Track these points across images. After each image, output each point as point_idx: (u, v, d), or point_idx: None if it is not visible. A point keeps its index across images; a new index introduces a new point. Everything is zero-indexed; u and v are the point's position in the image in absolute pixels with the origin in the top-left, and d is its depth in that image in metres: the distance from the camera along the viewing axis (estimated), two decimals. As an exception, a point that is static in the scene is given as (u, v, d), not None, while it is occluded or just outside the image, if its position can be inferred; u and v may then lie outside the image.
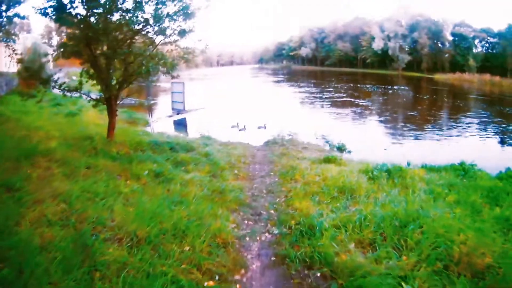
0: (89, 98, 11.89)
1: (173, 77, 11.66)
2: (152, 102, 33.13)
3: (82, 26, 10.33)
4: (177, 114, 27.17)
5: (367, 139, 18.94)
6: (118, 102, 11.91)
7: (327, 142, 16.44)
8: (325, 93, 42.16)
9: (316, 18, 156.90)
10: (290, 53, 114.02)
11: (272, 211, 7.28)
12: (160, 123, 23.55)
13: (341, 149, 15.28)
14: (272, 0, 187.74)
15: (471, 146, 18.93)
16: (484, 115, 30.14)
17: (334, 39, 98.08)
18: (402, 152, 16.03)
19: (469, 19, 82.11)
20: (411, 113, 29.55)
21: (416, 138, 20.23)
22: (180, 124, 24.35)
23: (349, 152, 15.13)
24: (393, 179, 9.13)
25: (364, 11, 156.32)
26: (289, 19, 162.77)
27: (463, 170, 11.07)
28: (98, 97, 11.83)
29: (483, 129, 23.83)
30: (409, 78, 69.82)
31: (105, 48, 11.14)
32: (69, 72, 39.33)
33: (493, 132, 23.10)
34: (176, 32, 11.15)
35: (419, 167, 11.62)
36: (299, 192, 8.10)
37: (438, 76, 70.57)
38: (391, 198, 7.42)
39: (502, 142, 20.44)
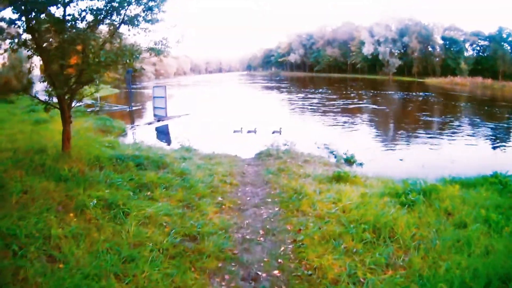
0: (37, 101, 9.79)
1: (135, 71, 9.16)
2: (135, 108, 30.76)
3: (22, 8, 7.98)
4: (158, 121, 24.53)
5: (374, 147, 16.23)
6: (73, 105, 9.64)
7: (331, 152, 13.79)
8: (320, 99, 39.10)
9: (305, 24, 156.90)
10: (279, 60, 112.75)
11: (275, 272, 4.63)
12: (139, 131, 20.94)
13: (350, 161, 12.64)
14: (260, 7, 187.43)
15: (489, 152, 16.54)
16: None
17: (323, 45, 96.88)
18: (418, 160, 13.54)
19: (460, 23, 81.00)
20: (423, 118, 26.63)
21: (431, 144, 17.40)
22: (162, 132, 21.64)
23: (360, 164, 12.49)
24: (431, 204, 6.73)
25: (353, 15, 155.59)
26: (277, 25, 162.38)
27: (500, 184, 8.94)
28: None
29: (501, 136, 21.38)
30: (400, 82, 68.13)
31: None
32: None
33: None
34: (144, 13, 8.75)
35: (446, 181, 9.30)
36: (312, 233, 5.50)
37: (430, 80, 69.37)
38: (451, 238, 5.28)
39: None
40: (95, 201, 6.23)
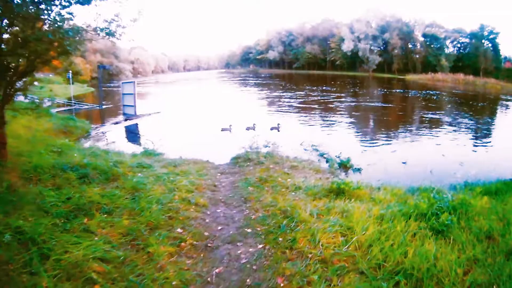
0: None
1: (68, 53, 7.12)
2: (106, 106, 28.76)
3: None
4: (125, 120, 22.40)
5: (370, 149, 14.18)
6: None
7: (322, 156, 11.77)
8: (296, 97, 37.00)
9: (284, 21, 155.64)
10: (257, 57, 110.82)
11: None
12: (105, 131, 18.72)
13: (345, 166, 10.63)
14: (239, 3, 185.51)
15: (496, 151, 14.90)
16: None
17: (302, 42, 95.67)
18: (422, 163, 11.76)
19: (441, 20, 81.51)
20: (419, 117, 24.64)
21: (431, 144, 15.47)
22: (131, 133, 19.50)
23: (358, 170, 10.50)
24: (469, 226, 5.03)
25: (333, 12, 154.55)
26: (256, 22, 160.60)
27: (525, 191, 7.51)
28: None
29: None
30: (380, 79, 67.27)
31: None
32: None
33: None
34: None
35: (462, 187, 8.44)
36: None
37: (410, 77, 68.90)
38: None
39: None
40: (9, 236, 4.24)
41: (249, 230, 5.23)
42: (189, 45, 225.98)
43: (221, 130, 17.72)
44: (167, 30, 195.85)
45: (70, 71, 33.60)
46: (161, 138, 13.50)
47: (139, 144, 15.11)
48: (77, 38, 7.46)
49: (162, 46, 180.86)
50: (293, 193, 7.03)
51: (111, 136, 16.81)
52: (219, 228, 5.40)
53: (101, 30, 7.64)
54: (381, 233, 4.67)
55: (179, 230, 5.13)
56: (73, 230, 4.80)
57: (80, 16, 8.07)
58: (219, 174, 9.04)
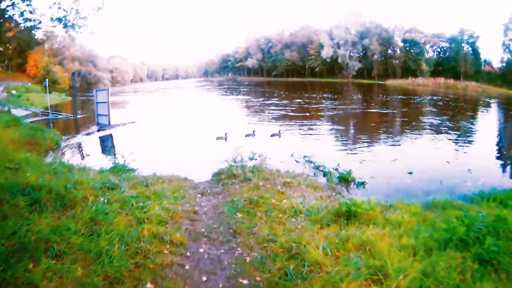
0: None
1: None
2: (81, 116, 27.72)
3: None
4: (98, 130, 20.78)
5: (370, 159, 12.78)
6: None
7: (317, 168, 10.42)
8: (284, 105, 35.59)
9: (263, 28, 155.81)
10: (236, 65, 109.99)
11: None
12: (76, 143, 17.26)
13: (347, 179, 9.26)
14: (217, 11, 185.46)
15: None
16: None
17: (281, 49, 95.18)
18: (428, 171, 10.76)
19: (421, 26, 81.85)
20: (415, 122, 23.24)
21: (433, 149, 14.49)
22: (104, 144, 18.01)
23: (362, 184, 9.15)
24: None
25: (312, 19, 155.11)
26: (234, 30, 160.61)
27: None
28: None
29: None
30: (361, 85, 67.20)
31: None
32: (8, 86, 37.63)
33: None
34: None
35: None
36: None
37: (391, 82, 68.88)
38: None
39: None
40: None
41: (245, 282, 3.86)
42: (168, 54, 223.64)
43: (216, 139, 16.73)
44: (146, 39, 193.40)
45: (47, 80, 31.94)
46: (134, 151, 11.99)
47: (112, 157, 13.59)
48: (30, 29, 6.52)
49: (140, 55, 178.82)
50: (293, 220, 5.68)
51: (83, 148, 15.62)
52: (204, 279, 3.98)
53: (59, 20, 6.64)
54: (423, 273, 3.44)
55: (149, 286, 3.69)
56: (14, 282, 3.54)
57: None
58: (199, 195, 7.60)
